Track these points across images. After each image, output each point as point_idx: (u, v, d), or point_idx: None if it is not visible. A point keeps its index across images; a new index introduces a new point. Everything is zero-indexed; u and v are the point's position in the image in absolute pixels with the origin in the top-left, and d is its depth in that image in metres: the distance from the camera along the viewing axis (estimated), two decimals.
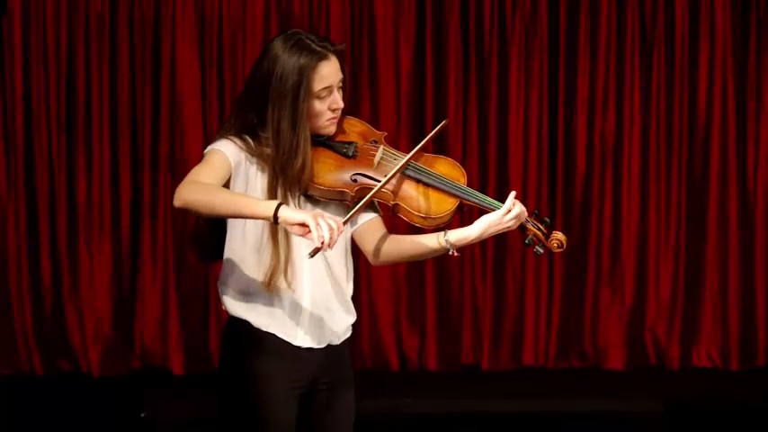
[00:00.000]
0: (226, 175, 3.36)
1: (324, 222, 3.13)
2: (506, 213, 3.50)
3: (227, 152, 3.39)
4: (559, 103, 7.39)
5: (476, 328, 7.33)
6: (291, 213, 3.15)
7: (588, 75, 7.37)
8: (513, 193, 3.54)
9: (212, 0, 7.18)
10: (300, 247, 3.41)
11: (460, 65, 7.32)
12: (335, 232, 3.14)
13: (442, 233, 3.53)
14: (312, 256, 3.19)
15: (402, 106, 7.30)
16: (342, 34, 7.13)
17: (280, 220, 3.15)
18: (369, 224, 3.58)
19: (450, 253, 3.53)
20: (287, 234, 3.38)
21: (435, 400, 6.64)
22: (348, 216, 3.33)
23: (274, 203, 3.15)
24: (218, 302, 7.07)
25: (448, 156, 3.64)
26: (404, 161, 3.47)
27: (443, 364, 7.31)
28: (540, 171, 7.36)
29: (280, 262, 3.40)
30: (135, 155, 7.21)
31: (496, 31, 7.33)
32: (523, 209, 3.53)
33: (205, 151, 3.43)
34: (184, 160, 7.17)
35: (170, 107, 7.18)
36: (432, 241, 3.54)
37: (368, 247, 3.59)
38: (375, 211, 3.59)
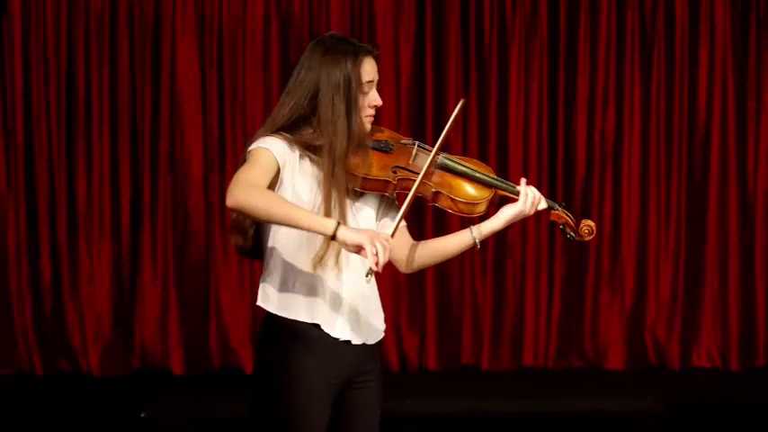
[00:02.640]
0: (273, 175, 3.41)
1: (379, 244, 3.26)
2: (525, 201, 3.59)
3: (273, 150, 3.42)
4: (559, 102, 7.40)
5: (476, 328, 7.34)
6: (350, 235, 3.27)
7: (588, 74, 7.37)
8: (523, 180, 3.63)
9: (212, 0, 7.19)
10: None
11: (460, 65, 7.32)
12: (387, 251, 3.28)
13: (469, 229, 3.60)
14: (369, 279, 3.35)
15: (402, 106, 7.30)
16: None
17: (338, 240, 3.28)
18: (398, 233, 3.60)
19: (476, 245, 3.62)
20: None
21: (435, 401, 6.66)
22: (395, 227, 3.43)
23: (333, 223, 3.28)
24: (218, 301, 7.16)
25: None
26: (435, 149, 3.55)
27: (443, 365, 7.32)
28: (540, 171, 7.36)
29: (329, 248, 3.45)
30: (135, 154, 7.22)
31: (496, 30, 7.33)
32: (537, 192, 3.61)
33: (250, 149, 3.44)
34: (184, 159, 7.18)
35: (170, 106, 7.19)
36: (458, 238, 3.63)
37: (397, 255, 3.64)
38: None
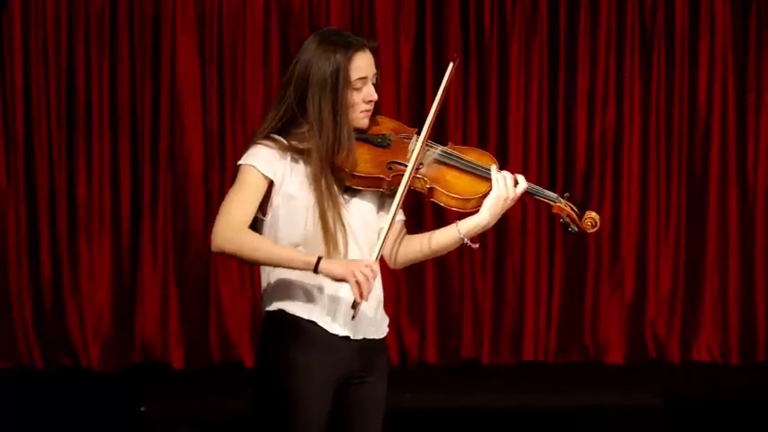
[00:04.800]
0: (262, 192, 3.45)
1: (361, 275, 3.32)
2: (498, 186, 3.52)
3: (259, 166, 3.43)
4: (559, 98, 7.40)
5: (476, 322, 7.33)
6: (332, 268, 3.34)
7: (588, 70, 7.37)
8: (493, 167, 3.55)
9: None
10: (348, 237, 3.49)
11: (460, 62, 7.32)
12: (371, 280, 3.34)
13: (455, 224, 3.57)
14: (355, 313, 3.40)
15: (402, 103, 7.30)
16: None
17: (321, 274, 3.36)
18: (394, 227, 3.62)
19: (467, 244, 3.56)
20: (342, 228, 3.47)
21: (435, 395, 6.66)
22: (379, 251, 3.43)
23: (314, 258, 3.34)
24: (218, 296, 7.17)
25: None
26: (421, 141, 3.51)
27: (443, 359, 7.31)
28: (540, 167, 7.36)
29: (339, 252, 3.46)
30: (135, 151, 7.22)
31: (496, 26, 7.33)
32: (508, 175, 3.54)
33: (239, 162, 3.46)
34: (184, 157, 7.19)
35: (170, 104, 7.20)
36: (447, 234, 3.59)
37: (389, 249, 3.63)
38: (400, 214, 3.64)
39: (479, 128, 7.37)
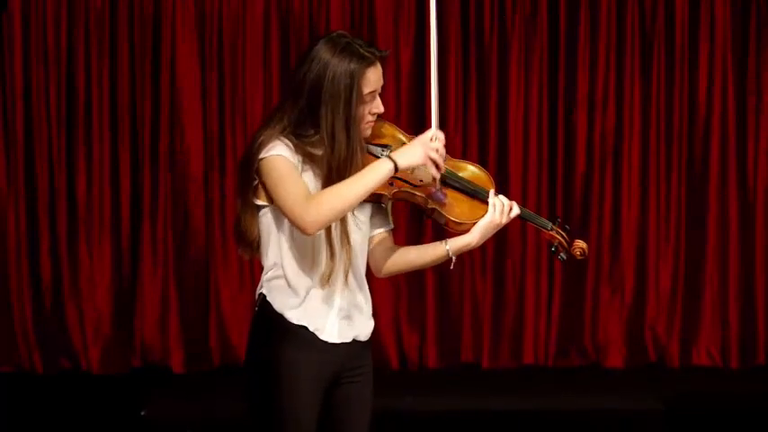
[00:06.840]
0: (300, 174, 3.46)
1: (434, 152, 3.41)
2: (494, 211, 3.57)
3: (286, 155, 3.43)
4: (559, 101, 7.39)
5: (476, 326, 7.33)
6: (410, 159, 3.42)
7: (588, 73, 7.36)
8: (491, 191, 3.59)
9: None
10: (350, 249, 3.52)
11: (460, 64, 7.31)
12: (442, 153, 3.44)
13: (444, 242, 3.60)
14: (439, 188, 3.51)
15: (402, 106, 7.29)
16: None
17: (403, 169, 3.41)
18: (380, 237, 3.65)
19: (452, 259, 3.62)
20: (348, 243, 3.49)
21: (435, 399, 6.66)
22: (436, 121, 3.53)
23: (389, 163, 3.38)
24: (218, 299, 7.17)
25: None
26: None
27: (443, 363, 7.31)
28: (540, 169, 7.35)
29: (340, 262, 3.49)
30: (135, 152, 7.22)
31: (496, 28, 7.32)
32: (506, 200, 3.59)
33: (262, 156, 3.43)
34: (184, 158, 7.18)
35: (170, 104, 7.19)
36: (435, 250, 3.63)
37: (375, 259, 3.66)
38: (388, 224, 3.66)
39: (479, 129, 7.35)
